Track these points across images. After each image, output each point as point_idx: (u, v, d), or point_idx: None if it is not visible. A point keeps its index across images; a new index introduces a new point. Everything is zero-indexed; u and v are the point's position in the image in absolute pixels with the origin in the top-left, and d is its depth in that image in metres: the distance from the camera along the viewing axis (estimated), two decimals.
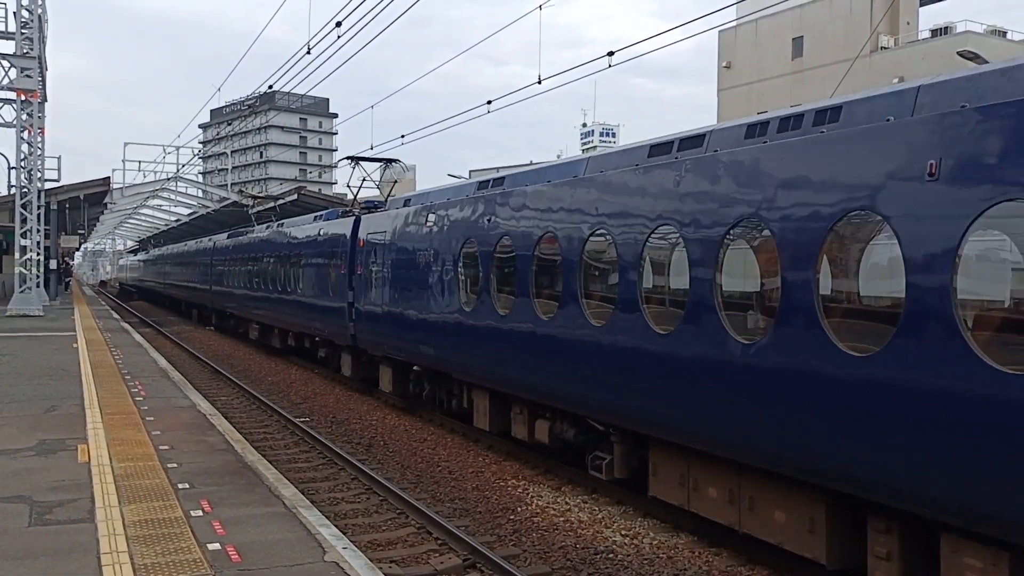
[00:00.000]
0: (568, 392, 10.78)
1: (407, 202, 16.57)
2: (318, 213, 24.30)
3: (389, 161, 22.29)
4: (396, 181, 22.18)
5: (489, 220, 12.59)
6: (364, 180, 22.89)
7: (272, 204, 41.20)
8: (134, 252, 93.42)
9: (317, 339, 22.29)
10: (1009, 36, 47.89)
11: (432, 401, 15.96)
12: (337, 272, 19.49)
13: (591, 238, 10.22)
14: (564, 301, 10.65)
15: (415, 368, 16.31)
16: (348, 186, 22.87)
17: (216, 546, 6.92)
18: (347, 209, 21.92)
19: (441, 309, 14.04)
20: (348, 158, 22.19)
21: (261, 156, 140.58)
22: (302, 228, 23.50)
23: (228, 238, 34.86)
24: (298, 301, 22.94)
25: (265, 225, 30.46)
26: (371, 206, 19.62)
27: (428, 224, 14.77)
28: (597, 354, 9.94)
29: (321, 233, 21.33)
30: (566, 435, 11.54)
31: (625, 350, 9.45)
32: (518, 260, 11.75)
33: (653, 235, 9.13)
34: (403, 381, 17.16)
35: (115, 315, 39.39)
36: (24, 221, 34.13)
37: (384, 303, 16.65)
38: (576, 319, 10.37)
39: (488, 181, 13.60)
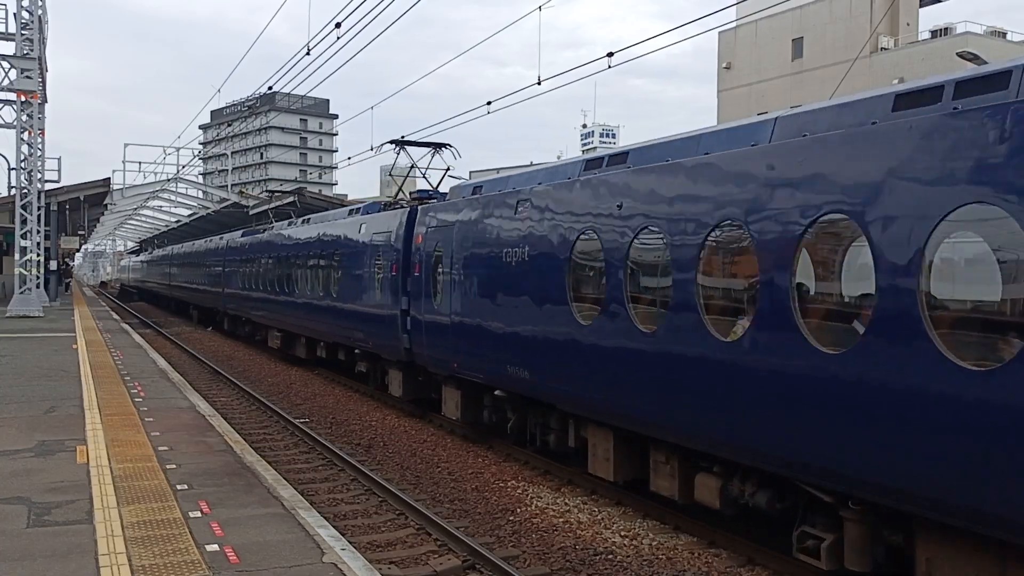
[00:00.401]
0: (766, 444, 7.69)
1: (477, 190, 13.76)
2: (355, 206, 21.28)
3: (439, 146, 19.20)
4: (444, 171, 19.51)
5: (620, 207, 9.71)
6: (412, 167, 19.44)
7: (292, 198, 38.86)
8: (136, 252, 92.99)
9: (356, 351, 19.35)
10: (1009, 37, 47.91)
11: (519, 434, 13.06)
12: (386, 274, 16.63)
13: (815, 227, 7.24)
14: (761, 318, 7.68)
15: (496, 393, 13.12)
16: (390, 175, 19.98)
17: (214, 547, 6.91)
18: (391, 201, 18.93)
19: (543, 321, 11.17)
20: (392, 142, 19.17)
21: (261, 157, 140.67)
22: (337, 224, 20.57)
23: (243, 236, 32.14)
24: (333, 307, 19.93)
25: (287, 222, 27.49)
26: (424, 196, 16.89)
27: (519, 215, 11.88)
28: (827, 396, 7.03)
29: (364, 229, 18.31)
30: (753, 500, 8.48)
31: (888, 393, 6.51)
32: (675, 260, 8.76)
33: (950, 217, 6.19)
34: (475, 406, 14.10)
35: (115, 316, 39.38)
36: (24, 222, 34.13)
37: (454, 312, 13.69)
38: (785, 343, 7.41)
39: (600, 158, 10.69)
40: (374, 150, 21.02)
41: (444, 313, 14.11)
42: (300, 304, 22.88)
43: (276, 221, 30.97)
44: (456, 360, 13.77)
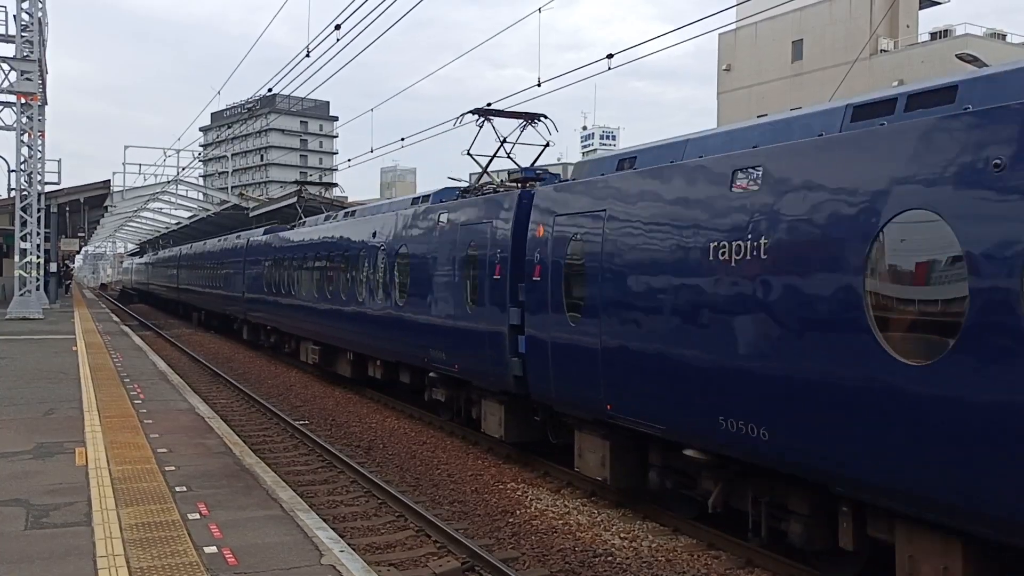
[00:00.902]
0: None
1: (626, 163, 10.31)
2: (420, 195, 17.54)
3: (533, 117, 15.54)
4: (543, 147, 15.97)
5: (999, 167, 5.93)
6: (503, 143, 15.72)
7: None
8: (139, 254, 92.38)
9: (431, 374, 15.27)
10: (1009, 39, 47.94)
11: (726, 515, 9.17)
12: (484, 278, 12.92)
13: None
14: None
15: (688, 453, 9.00)
16: (468, 154, 15.87)
17: (213, 549, 6.90)
18: (473, 186, 15.47)
19: (806, 355, 7.27)
20: (475, 112, 15.72)
21: (262, 159, 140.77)
22: (401, 215, 16.78)
23: (267, 234, 28.72)
24: (397, 319, 16.13)
25: (323, 216, 24.09)
26: (530, 177, 13.49)
27: (740, 191, 8.09)
28: None
29: (445, 220, 14.55)
30: None
31: None
32: None
33: None
34: (633, 464, 10.39)
35: (115, 318, 39.40)
36: (24, 224, 34.14)
37: (610, 332, 9.80)
38: None
39: (889, 99, 7.30)
40: (456, 124, 17.05)
41: (589, 332, 10.19)
42: (348, 313, 19.04)
43: (306, 216, 27.70)
44: (611, 400, 9.92)
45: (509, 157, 15.92)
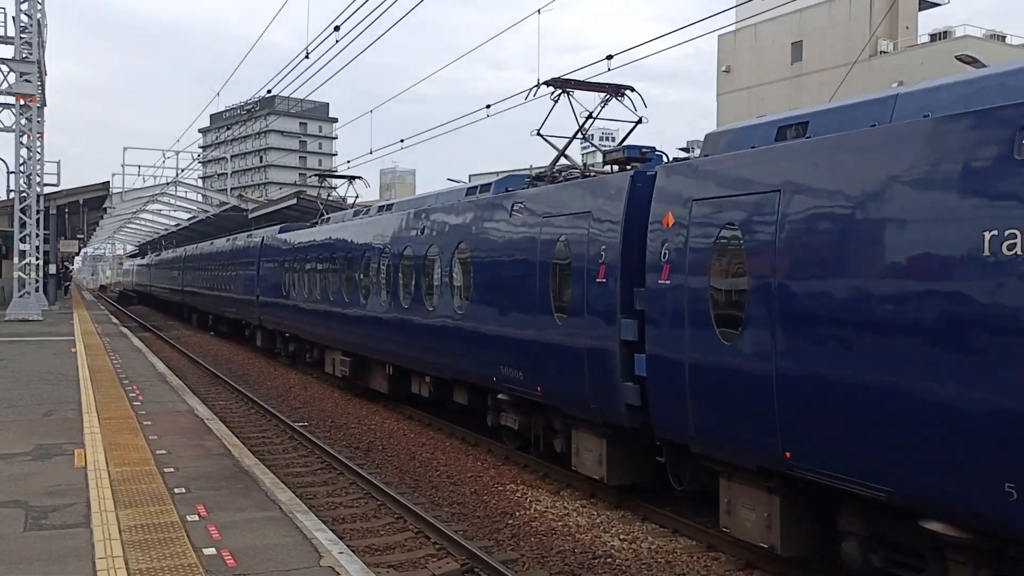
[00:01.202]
0: None
1: (789, 131, 8.12)
2: (476, 184, 15.65)
3: (618, 89, 13.35)
4: (635, 123, 13.24)
5: None
6: (588, 118, 13.71)
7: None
8: (140, 255, 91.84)
9: (501, 396, 12.92)
10: (1008, 40, 47.99)
11: None
12: (583, 282, 10.49)
13: None
14: None
15: (932, 527, 6.47)
16: (539, 134, 13.82)
17: (212, 551, 6.89)
18: (548, 172, 13.10)
19: None
20: (549, 82, 13.51)
21: (261, 160, 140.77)
22: (459, 207, 14.50)
23: (283, 232, 26.43)
24: (458, 330, 13.79)
25: (353, 211, 21.66)
26: (634, 157, 11.03)
27: None
28: None
29: (521, 211, 12.24)
30: None
31: None
32: None
33: None
34: (813, 529, 8.02)
35: (114, 320, 39.40)
36: (23, 225, 34.15)
37: (794, 356, 7.37)
38: None
39: None
40: (527, 97, 14.93)
41: (756, 354, 7.75)
42: (388, 321, 16.73)
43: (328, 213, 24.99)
44: (792, 446, 7.44)
45: (585, 138, 14.06)
